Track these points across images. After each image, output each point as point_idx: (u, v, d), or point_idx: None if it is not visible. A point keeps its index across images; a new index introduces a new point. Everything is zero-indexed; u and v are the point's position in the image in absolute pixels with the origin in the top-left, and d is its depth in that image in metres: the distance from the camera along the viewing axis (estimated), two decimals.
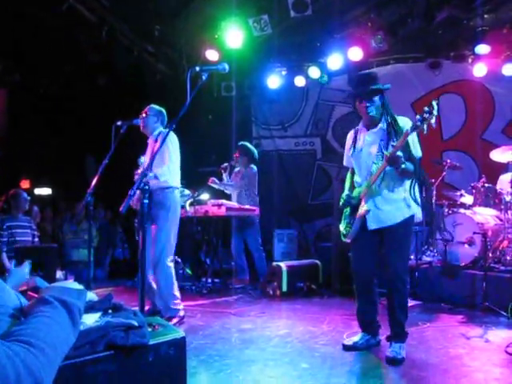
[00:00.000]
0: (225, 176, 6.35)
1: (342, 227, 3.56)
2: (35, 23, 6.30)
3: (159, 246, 4.16)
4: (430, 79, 7.41)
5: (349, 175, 3.67)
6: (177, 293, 4.24)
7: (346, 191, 3.57)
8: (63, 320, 1.07)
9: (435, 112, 2.88)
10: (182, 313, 4.24)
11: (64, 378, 1.07)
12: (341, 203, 3.55)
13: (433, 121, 2.90)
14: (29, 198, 5.60)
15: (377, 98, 3.28)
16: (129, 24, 6.75)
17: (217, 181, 6.23)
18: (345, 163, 3.71)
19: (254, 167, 6.31)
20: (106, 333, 1.25)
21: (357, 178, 3.50)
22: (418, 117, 2.94)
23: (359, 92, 3.32)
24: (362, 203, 3.31)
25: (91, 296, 1.46)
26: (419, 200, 3.30)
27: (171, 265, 4.23)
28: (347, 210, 3.51)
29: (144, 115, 4.39)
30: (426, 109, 2.90)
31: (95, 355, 1.21)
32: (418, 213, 3.34)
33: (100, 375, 1.20)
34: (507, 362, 3.10)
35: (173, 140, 4.25)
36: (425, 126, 2.93)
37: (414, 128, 2.97)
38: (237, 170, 6.45)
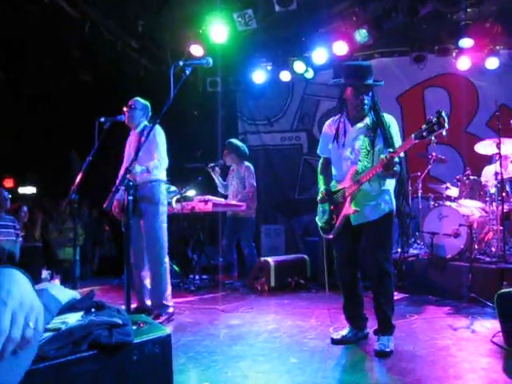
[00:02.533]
0: (216, 178, 6.27)
1: (320, 222, 3.52)
2: (17, 19, 6.19)
3: (156, 242, 4.14)
4: (415, 73, 7.44)
5: (322, 166, 3.60)
6: (169, 290, 4.23)
7: (323, 184, 3.50)
8: None
9: (446, 125, 2.72)
10: (171, 309, 4.23)
11: (45, 380, 1.04)
12: (319, 197, 3.48)
13: (444, 133, 2.75)
14: (9, 196, 5.50)
15: (371, 93, 3.26)
16: (112, 19, 6.67)
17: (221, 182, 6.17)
18: (319, 152, 3.62)
19: (251, 166, 6.27)
20: (89, 332, 1.22)
21: (335, 172, 3.46)
22: (424, 126, 2.79)
23: (359, 85, 3.23)
24: (348, 202, 3.25)
25: (73, 294, 1.42)
26: (398, 197, 3.26)
27: (166, 260, 4.21)
28: (326, 205, 3.46)
29: (130, 108, 4.36)
30: (435, 119, 2.74)
31: (78, 355, 1.18)
32: (394, 207, 3.35)
33: (83, 375, 1.17)
34: (493, 351, 3.12)
35: (159, 133, 4.23)
36: (433, 138, 2.79)
37: (420, 137, 2.82)
38: (231, 168, 6.39)
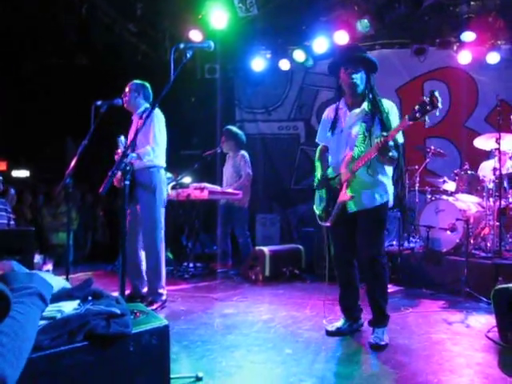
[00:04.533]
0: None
1: (317, 210, 3.50)
2: (14, 1, 6.07)
3: (152, 229, 4.10)
4: (415, 65, 7.38)
5: (320, 153, 3.57)
6: (163, 278, 4.20)
7: (320, 171, 3.48)
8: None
9: (440, 105, 2.67)
10: (164, 297, 4.20)
11: (38, 371, 0.99)
12: (315, 184, 3.47)
13: (437, 113, 2.71)
14: (1, 178, 5.42)
15: (362, 71, 3.19)
16: (110, 2, 6.55)
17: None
18: (318, 139, 3.59)
19: (246, 154, 6.20)
20: (86, 321, 1.18)
21: (332, 159, 3.42)
22: (416, 107, 2.74)
23: (345, 58, 3.21)
24: (344, 188, 3.23)
25: (64, 283, 1.37)
26: (396, 186, 3.22)
27: (162, 248, 4.17)
28: (323, 192, 3.43)
29: (124, 92, 4.30)
30: (427, 100, 2.69)
31: (71, 346, 1.13)
32: (391, 199, 3.32)
33: (77, 367, 1.12)
34: (488, 346, 3.12)
35: (159, 118, 4.16)
36: (426, 119, 2.75)
37: (413, 119, 2.78)
38: (227, 156, 6.33)
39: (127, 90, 4.32)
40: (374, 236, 3.23)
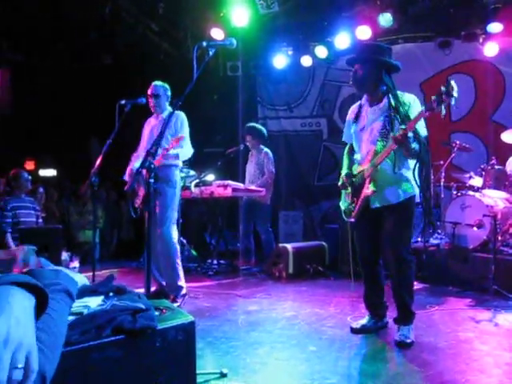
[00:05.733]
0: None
1: (342, 206, 3.51)
2: (38, 2, 6.18)
3: (166, 222, 4.15)
4: (440, 59, 7.24)
5: (346, 151, 3.59)
6: (181, 271, 4.24)
7: (345, 169, 3.49)
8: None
9: (455, 93, 2.66)
10: (184, 290, 4.24)
11: (68, 365, 1.01)
12: (340, 182, 3.47)
13: (452, 103, 2.68)
14: (30, 177, 5.54)
15: (369, 68, 3.22)
16: (133, 1, 6.62)
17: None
18: (345, 139, 3.63)
19: (270, 152, 6.22)
20: (113, 317, 1.20)
21: (357, 156, 3.42)
22: (433, 97, 2.74)
23: (351, 56, 3.32)
24: (367, 183, 3.22)
25: (84, 280, 1.39)
26: (419, 181, 3.17)
27: (175, 241, 4.21)
28: (348, 189, 3.44)
29: (154, 97, 4.33)
30: (443, 89, 2.68)
31: (100, 340, 1.16)
32: (417, 194, 3.25)
33: (105, 361, 1.15)
34: None
35: (185, 121, 4.28)
36: (443, 108, 2.73)
37: (430, 109, 2.78)
38: (250, 153, 6.35)
39: (155, 95, 4.33)
40: (399, 233, 3.18)
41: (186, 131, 4.24)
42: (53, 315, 0.99)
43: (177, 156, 4.12)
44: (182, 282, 4.22)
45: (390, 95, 3.19)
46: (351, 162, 3.50)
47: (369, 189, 3.19)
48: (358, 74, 3.26)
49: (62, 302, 1.07)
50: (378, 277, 3.44)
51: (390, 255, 3.19)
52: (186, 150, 4.23)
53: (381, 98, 3.25)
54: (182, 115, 4.25)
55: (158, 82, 4.40)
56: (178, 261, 4.22)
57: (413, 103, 3.17)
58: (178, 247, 4.26)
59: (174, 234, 4.21)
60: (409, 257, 3.20)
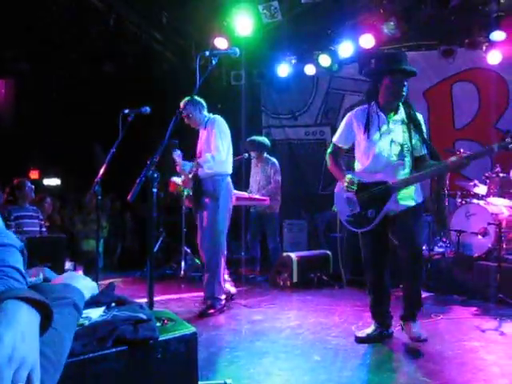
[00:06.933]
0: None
1: (344, 214, 3.42)
2: (43, 11, 6.23)
3: (213, 235, 4.17)
4: (443, 67, 7.25)
5: (336, 154, 3.53)
6: (223, 283, 4.26)
7: (350, 175, 3.32)
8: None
9: None
10: (223, 302, 4.26)
11: (68, 376, 1.00)
12: (345, 185, 3.29)
13: None
14: (33, 186, 5.54)
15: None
16: (137, 11, 6.66)
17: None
18: (339, 141, 3.52)
19: (276, 162, 6.24)
20: (114, 327, 1.19)
21: (364, 162, 3.34)
22: (508, 139, 2.91)
23: (403, 68, 3.19)
24: (395, 198, 3.18)
25: (95, 289, 1.39)
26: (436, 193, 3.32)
27: (222, 254, 4.25)
28: (354, 196, 3.31)
29: (188, 118, 4.29)
30: None
31: (102, 352, 1.15)
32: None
33: (107, 373, 1.13)
34: None
35: (220, 125, 4.21)
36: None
37: (505, 148, 2.95)
38: (254, 163, 6.36)
39: (187, 114, 4.21)
40: (417, 229, 3.28)
41: (217, 134, 4.12)
42: (59, 329, 0.98)
43: (198, 164, 4.11)
44: (221, 296, 4.23)
45: (406, 107, 3.27)
46: (343, 167, 3.51)
47: (397, 204, 3.20)
48: (405, 90, 3.22)
49: (70, 316, 1.06)
50: (386, 285, 3.43)
51: (410, 250, 3.21)
52: (209, 156, 4.10)
53: (396, 109, 3.28)
54: (217, 119, 4.25)
55: (183, 102, 3.99)
56: (222, 277, 4.24)
57: (421, 120, 3.30)
58: (223, 260, 4.28)
59: (216, 247, 4.19)
60: (422, 258, 3.38)
